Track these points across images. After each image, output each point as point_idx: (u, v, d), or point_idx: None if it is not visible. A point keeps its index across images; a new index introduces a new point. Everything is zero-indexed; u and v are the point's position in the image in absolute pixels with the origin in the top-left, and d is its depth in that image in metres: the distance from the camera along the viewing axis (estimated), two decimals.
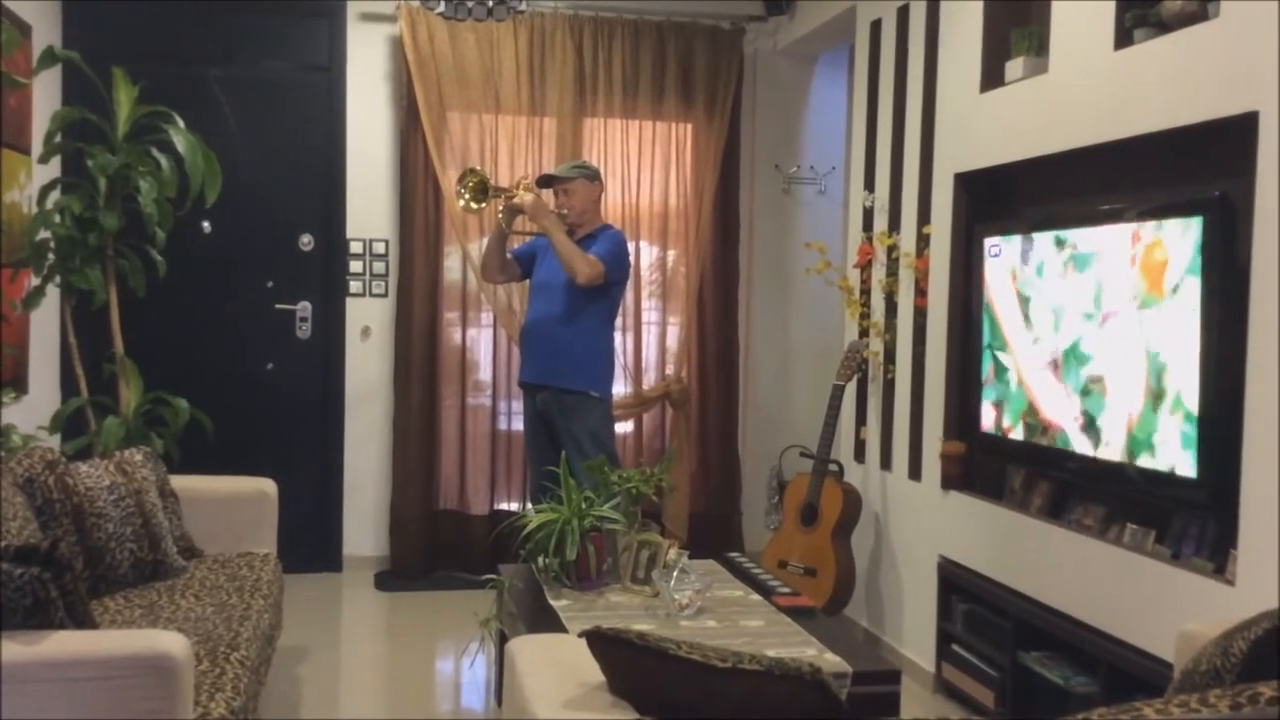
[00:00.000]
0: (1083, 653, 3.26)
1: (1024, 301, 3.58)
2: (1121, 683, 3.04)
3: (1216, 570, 2.88)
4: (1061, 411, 3.40)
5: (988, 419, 3.79)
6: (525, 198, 4.45)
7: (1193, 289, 2.86)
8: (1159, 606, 2.93)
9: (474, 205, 4.55)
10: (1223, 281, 2.81)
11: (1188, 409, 2.88)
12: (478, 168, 4.73)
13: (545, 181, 4.63)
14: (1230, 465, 2.76)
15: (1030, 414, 3.55)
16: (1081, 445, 3.30)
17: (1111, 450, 3.18)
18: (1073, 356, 3.34)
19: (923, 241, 4.20)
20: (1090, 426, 3.26)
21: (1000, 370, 3.71)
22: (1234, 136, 2.78)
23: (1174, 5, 2.98)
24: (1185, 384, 2.89)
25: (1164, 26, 3.03)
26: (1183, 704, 1.38)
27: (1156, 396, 2.99)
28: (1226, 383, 2.78)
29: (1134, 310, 3.08)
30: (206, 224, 5.25)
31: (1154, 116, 3.01)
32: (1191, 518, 3.06)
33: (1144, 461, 3.05)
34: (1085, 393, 3.28)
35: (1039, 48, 3.58)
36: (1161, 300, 2.97)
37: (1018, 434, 3.62)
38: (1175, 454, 2.93)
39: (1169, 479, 2.97)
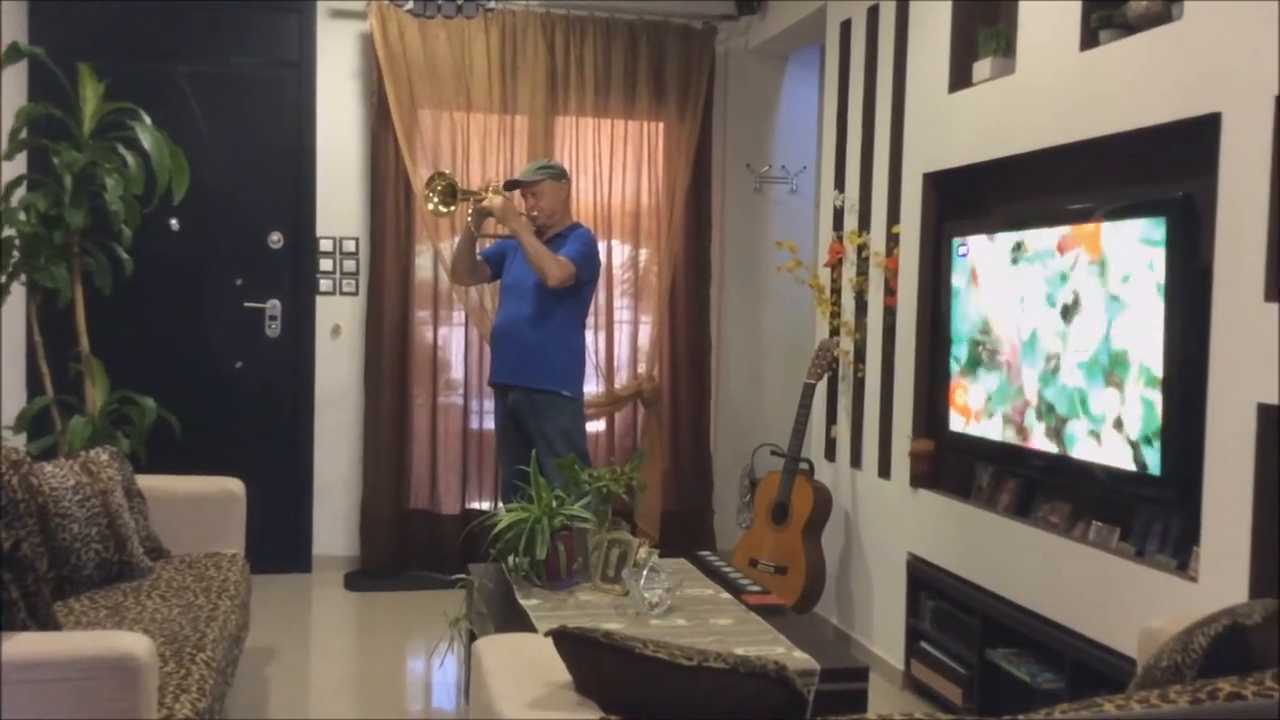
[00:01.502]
0: (1049, 650, 3.28)
1: (994, 298, 3.61)
2: (1087, 679, 3.06)
3: (1180, 567, 2.91)
4: (1023, 407, 3.43)
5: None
6: (494, 201, 4.44)
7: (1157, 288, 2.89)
8: (1123, 603, 2.96)
9: (442, 209, 4.54)
10: (1186, 281, 2.83)
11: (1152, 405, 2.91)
12: (446, 170, 4.71)
13: (511, 185, 4.62)
14: (1193, 463, 2.79)
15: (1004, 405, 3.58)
16: (1046, 444, 3.33)
17: (1078, 448, 3.20)
18: (1031, 352, 3.37)
19: (892, 241, 4.22)
20: (1058, 428, 3.29)
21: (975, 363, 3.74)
22: (1198, 137, 2.81)
23: (1139, 6, 3.00)
24: (1148, 383, 2.92)
25: (1129, 28, 3.05)
26: (1143, 699, 1.40)
27: (1121, 392, 3.02)
28: (1189, 381, 2.81)
29: (1100, 310, 3.11)
30: (174, 221, 5.21)
31: (1119, 117, 3.03)
32: (1156, 515, 3.08)
33: (1108, 459, 3.07)
34: (1047, 383, 3.31)
35: (1006, 48, 3.60)
36: (1127, 299, 3.00)
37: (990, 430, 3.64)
38: (1141, 451, 2.96)
39: (1133, 476, 2.99)
